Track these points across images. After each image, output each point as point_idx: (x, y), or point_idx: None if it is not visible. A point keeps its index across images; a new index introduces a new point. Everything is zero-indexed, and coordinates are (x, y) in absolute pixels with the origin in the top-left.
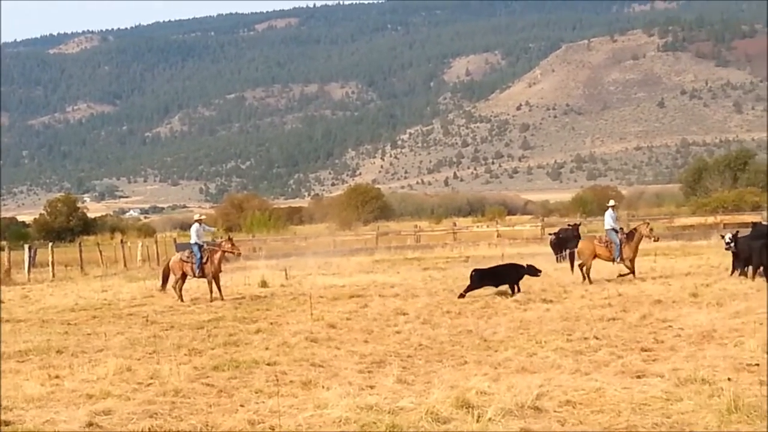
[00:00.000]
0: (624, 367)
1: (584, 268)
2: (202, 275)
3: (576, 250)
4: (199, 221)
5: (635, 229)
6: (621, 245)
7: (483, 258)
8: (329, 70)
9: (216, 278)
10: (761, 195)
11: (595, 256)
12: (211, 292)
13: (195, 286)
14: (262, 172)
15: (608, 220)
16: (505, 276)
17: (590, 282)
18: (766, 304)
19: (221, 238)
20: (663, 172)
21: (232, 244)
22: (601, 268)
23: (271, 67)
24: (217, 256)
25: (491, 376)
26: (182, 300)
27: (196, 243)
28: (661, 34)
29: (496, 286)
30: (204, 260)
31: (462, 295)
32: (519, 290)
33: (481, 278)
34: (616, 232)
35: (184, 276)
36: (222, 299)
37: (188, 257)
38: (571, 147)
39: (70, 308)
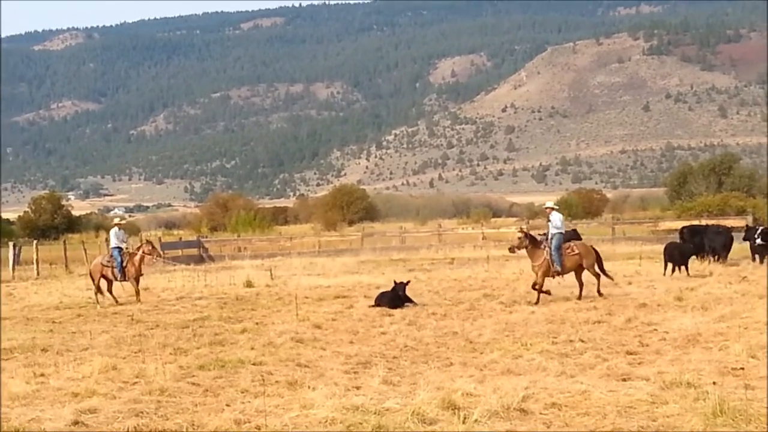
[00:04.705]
0: (609, 370)
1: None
2: (125, 278)
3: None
4: (119, 225)
5: None
6: None
7: (468, 260)
8: (315, 69)
9: (136, 280)
10: (745, 199)
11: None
12: (137, 293)
13: (180, 285)
14: (247, 171)
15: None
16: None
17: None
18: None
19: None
20: (648, 175)
21: (152, 248)
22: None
23: (257, 66)
24: (137, 258)
25: (477, 377)
26: (98, 303)
27: (116, 246)
28: (647, 38)
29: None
30: (124, 263)
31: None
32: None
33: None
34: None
35: (107, 280)
36: (139, 302)
37: (108, 261)
38: (556, 150)
39: (54, 306)
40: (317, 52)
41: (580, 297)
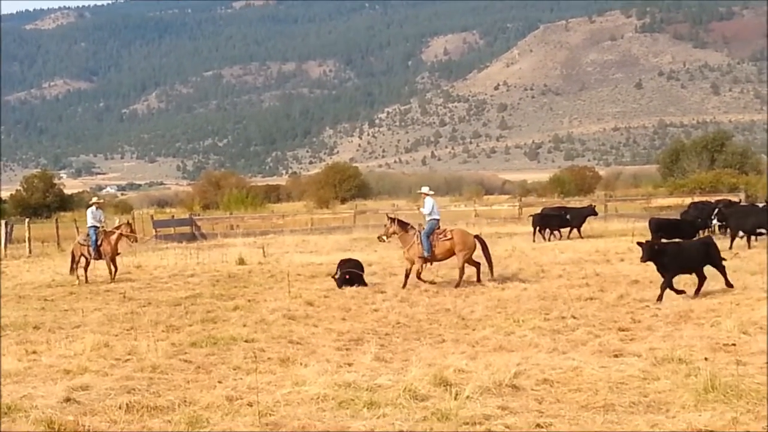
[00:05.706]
0: (601, 346)
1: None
2: (99, 257)
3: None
4: (97, 204)
5: None
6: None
7: None
8: (307, 48)
9: (112, 259)
10: (738, 176)
11: None
12: (111, 272)
13: (172, 263)
14: (240, 149)
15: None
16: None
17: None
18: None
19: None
20: (640, 153)
21: (131, 229)
22: (579, 247)
23: (249, 45)
24: (113, 237)
25: (469, 354)
26: (87, 282)
27: (92, 225)
28: (639, 16)
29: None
30: (99, 242)
31: (339, 285)
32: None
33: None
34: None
35: (85, 259)
36: (113, 281)
37: (85, 240)
38: (548, 127)
39: (46, 284)
40: (309, 30)
41: (458, 285)
